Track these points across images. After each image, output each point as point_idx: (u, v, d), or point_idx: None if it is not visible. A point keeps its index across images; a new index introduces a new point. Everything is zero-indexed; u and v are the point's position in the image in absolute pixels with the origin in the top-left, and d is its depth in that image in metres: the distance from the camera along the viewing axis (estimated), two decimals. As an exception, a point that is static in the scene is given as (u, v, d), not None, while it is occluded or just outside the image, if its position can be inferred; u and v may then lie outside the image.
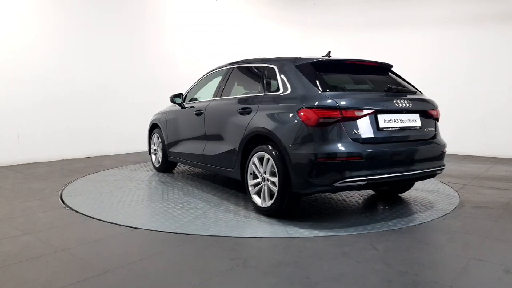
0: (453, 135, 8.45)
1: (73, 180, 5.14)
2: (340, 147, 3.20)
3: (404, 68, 9.10)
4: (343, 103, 3.28)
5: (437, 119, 3.91)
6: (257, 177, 3.72)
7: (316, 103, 3.29)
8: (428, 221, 3.56)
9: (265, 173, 3.62)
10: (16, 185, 4.88)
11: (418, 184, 5.13)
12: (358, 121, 3.30)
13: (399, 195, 4.50)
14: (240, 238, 3.07)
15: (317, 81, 3.50)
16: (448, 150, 9.26)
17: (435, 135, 3.85)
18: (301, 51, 8.89)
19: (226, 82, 4.68)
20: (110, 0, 7.48)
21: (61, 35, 6.79)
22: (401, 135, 3.55)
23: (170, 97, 5.38)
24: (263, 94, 3.94)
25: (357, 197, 4.44)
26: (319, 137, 3.24)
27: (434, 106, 3.89)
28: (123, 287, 2.28)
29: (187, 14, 8.81)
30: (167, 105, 6.08)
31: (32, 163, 6.40)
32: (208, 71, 5.30)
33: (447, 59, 8.56)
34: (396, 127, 3.50)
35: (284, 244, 2.96)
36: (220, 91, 4.71)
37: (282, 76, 3.77)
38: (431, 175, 3.85)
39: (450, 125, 8.50)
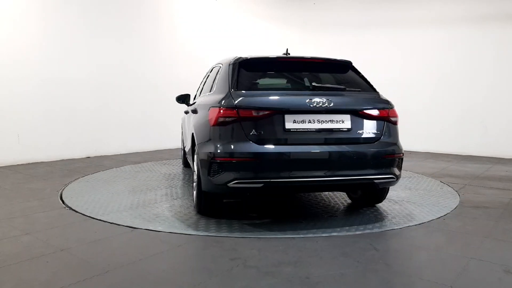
0: (453, 135, 8.48)
1: (73, 180, 5.13)
2: (234, 147, 3.13)
3: (404, 68, 9.14)
4: (241, 102, 3.19)
5: (387, 121, 3.44)
6: None
7: (218, 102, 3.30)
8: (428, 221, 3.55)
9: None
10: (16, 185, 4.87)
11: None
12: (259, 121, 3.16)
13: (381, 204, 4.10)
14: (240, 238, 3.07)
15: (235, 81, 3.47)
16: (449, 150, 9.30)
17: (378, 139, 3.38)
18: (301, 51, 8.88)
19: (204, 83, 4.87)
20: (111, 0, 7.48)
21: (61, 35, 6.78)
22: (318, 137, 3.24)
23: (175, 98, 5.43)
24: (207, 93, 4.07)
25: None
26: (217, 136, 3.23)
27: (380, 106, 3.44)
28: (123, 287, 2.28)
29: (187, 14, 8.81)
30: (168, 105, 6.11)
31: (32, 163, 6.39)
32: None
33: (448, 59, 8.56)
34: (311, 129, 3.22)
35: (284, 244, 2.96)
36: (200, 92, 4.92)
37: (218, 75, 3.86)
38: (366, 183, 3.39)
39: (451, 125, 8.52)
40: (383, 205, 4.08)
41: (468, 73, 8.33)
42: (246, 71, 3.63)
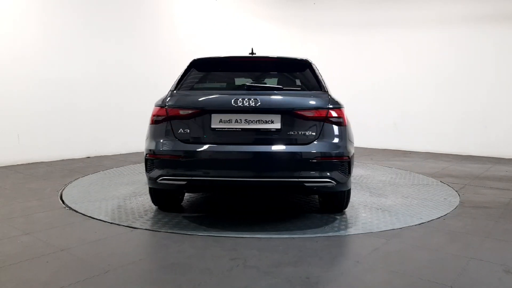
0: (453, 135, 8.48)
1: (73, 180, 5.13)
2: (161, 145, 3.27)
3: (404, 68, 9.14)
4: (170, 102, 3.35)
5: (327, 122, 3.22)
6: None
7: (156, 102, 3.47)
8: (428, 221, 3.56)
9: None
10: (16, 185, 4.87)
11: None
12: (186, 120, 3.26)
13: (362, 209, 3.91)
14: (240, 238, 3.08)
15: (179, 81, 3.65)
16: (449, 150, 9.30)
17: (312, 140, 3.18)
18: (301, 51, 8.89)
19: None
20: (111, 0, 7.48)
21: (61, 34, 6.77)
22: (245, 137, 3.19)
23: None
24: None
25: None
26: (151, 135, 3.40)
27: (317, 106, 3.25)
28: (123, 287, 2.28)
29: (187, 14, 8.80)
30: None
31: (32, 163, 6.39)
32: None
33: (448, 59, 8.56)
34: (237, 128, 3.18)
35: (284, 244, 2.96)
36: None
37: None
38: (296, 187, 3.25)
39: (451, 125, 8.53)
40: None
41: (469, 73, 8.33)
42: (198, 71, 3.77)
